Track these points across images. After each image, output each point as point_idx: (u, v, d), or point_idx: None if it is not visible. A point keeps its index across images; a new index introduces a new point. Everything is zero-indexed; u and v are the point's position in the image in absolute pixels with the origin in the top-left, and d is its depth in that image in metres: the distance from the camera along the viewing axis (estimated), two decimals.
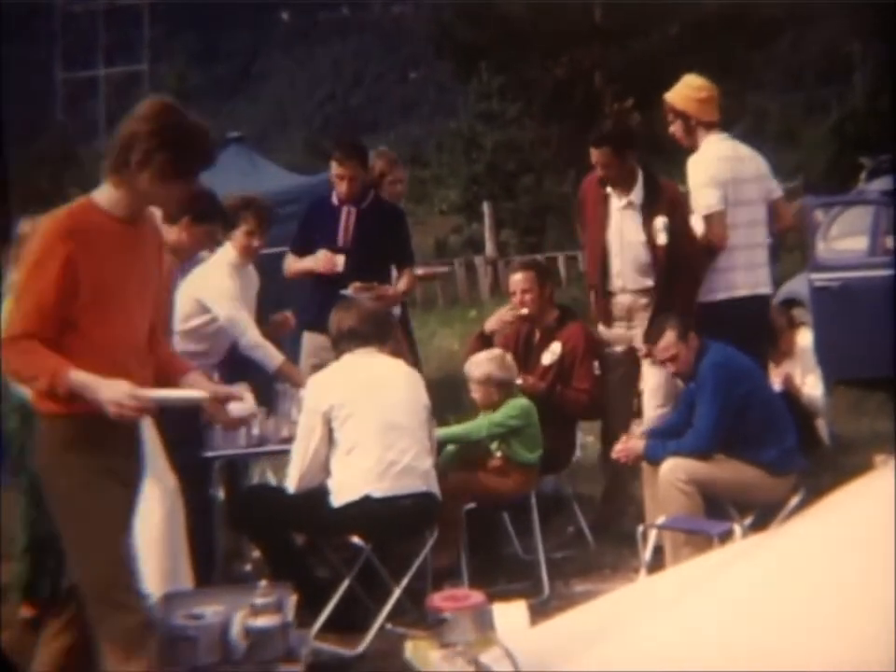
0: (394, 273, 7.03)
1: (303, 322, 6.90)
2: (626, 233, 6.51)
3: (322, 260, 6.76)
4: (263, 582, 4.74)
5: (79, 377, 3.75)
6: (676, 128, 6.60)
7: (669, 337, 5.87)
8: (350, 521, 5.30)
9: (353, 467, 5.32)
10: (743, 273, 6.48)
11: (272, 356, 6.19)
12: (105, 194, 3.95)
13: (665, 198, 6.49)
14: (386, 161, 7.35)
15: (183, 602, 4.81)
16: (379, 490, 5.29)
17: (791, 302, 9.25)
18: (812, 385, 7.82)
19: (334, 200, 6.90)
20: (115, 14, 58.11)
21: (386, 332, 5.78)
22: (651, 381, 6.47)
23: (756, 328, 6.48)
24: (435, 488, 5.46)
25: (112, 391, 3.74)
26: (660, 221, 6.43)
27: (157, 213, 6.40)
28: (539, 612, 4.95)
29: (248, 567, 6.40)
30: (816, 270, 9.09)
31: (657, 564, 5.51)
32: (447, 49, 29.33)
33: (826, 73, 28.53)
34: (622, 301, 6.59)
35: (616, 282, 6.58)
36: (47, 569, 5.77)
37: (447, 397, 7.91)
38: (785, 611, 2.39)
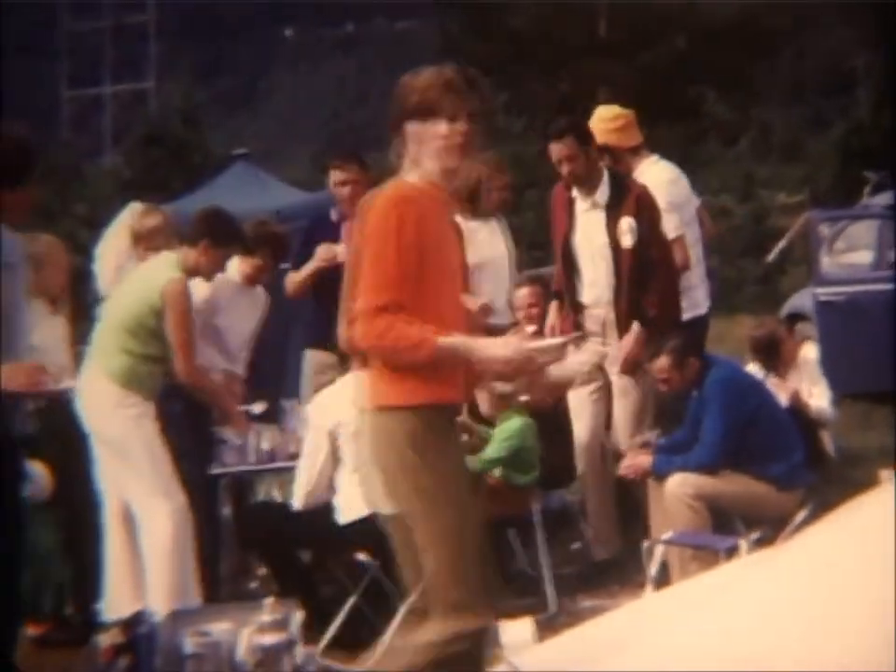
0: None
1: (307, 340, 6.90)
2: (595, 238, 6.15)
3: (322, 252, 6.74)
4: (270, 599, 4.74)
5: (453, 341, 3.57)
6: (604, 161, 6.32)
7: (664, 362, 5.81)
8: (357, 537, 5.29)
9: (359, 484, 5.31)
10: (685, 296, 6.42)
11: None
12: (408, 172, 3.78)
13: (631, 197, 6.09)
14: (488, 167, 6.60)
15: (190, 619, 4.80)
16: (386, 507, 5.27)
17: (796, 317, 9.25)
18: (819, 396, 7.81)
19: (334, 216, 6.89)
20: (121, 31, 58.29)
21: None
22: (621, 412, 6.20)
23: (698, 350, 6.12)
24: None
25: (499, 347, 3.59)
26: (625, 222, 6.05)
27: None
28: (546, 628, 4.94)
29: (255, 584, 6.41)
30: (821, 284, 9.10)
31: (663, 579, 5.50)
32: (452, 64, 29.42)
33: (830, 86, 28.54)
34: (596, 313, 6.22)
35: (589, 292, 6.23)
36: (51, 586, 5.80)
37: None
38: (792, 625, 2.39)
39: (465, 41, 28.43)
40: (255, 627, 4.65)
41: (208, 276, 5.94)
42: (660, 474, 5.81)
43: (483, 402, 6.10)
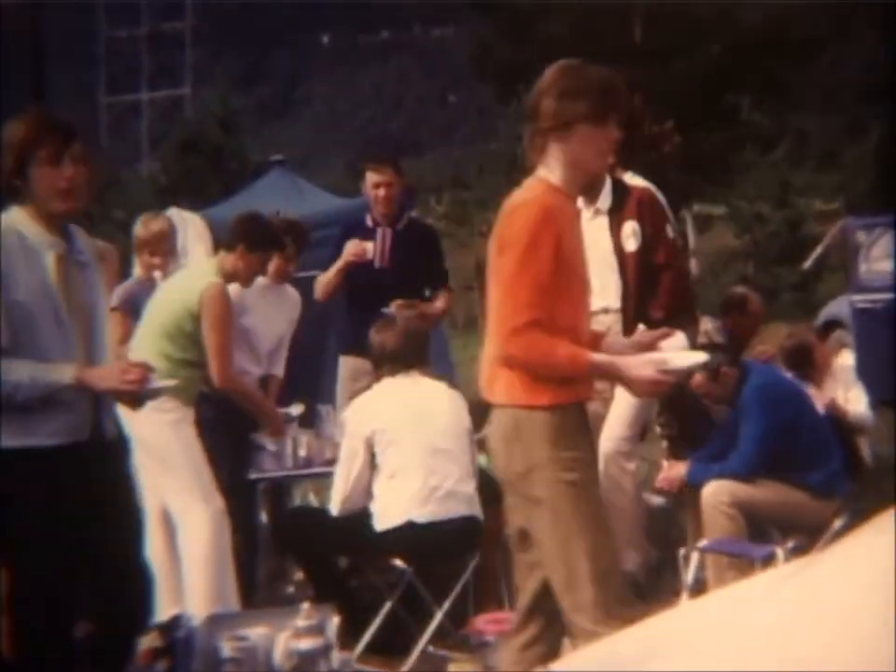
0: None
1: (341, 346, 6.93)
2: (600, 246, 5.98)
3: (352, 247, 6.77)
4: (306, 604, 4.76)
5: (602, 359, 3.69)
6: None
7: (697, 378, 5.80)
8: (393, 544, 5.31)
9: (396, 491, 5.33)
10: None
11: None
12: (554, 172, 3.80)
13: (633, 201, 6.04)
14: None
15: (227, 624, 4.83)
16: (422, 515, 5.29)
17: (833, 324, 9.22)
18: (857, 402, 7.77)
19: (369, 222, 6.93)
20: (158, 38, 58.67)
21: (426, 354, 5.81)
22: (619, 407, 6.07)
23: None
24: (478, 512, 5.47)
25: (642, 368, 3.64)
26: (628, 226, 6.01)
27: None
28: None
29: (291, 589, 6.43)
30: (857, 291, 9.06)
31: (698, 587, 5.49)
32: (487, 71, 29.42)
33: (866, 93, 28.41)
34: (604, 321, 6.05)
35: (598, 300, 5.89)
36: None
37: (488, 419, 7.91)
38: (830, 635, 2.38)
39: (499, 47, 28.44)
40: (291, 632, 4.66)
41: (246, 282, 5.98)
42: (696, 483, 5.80)
43: None
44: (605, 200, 6.08)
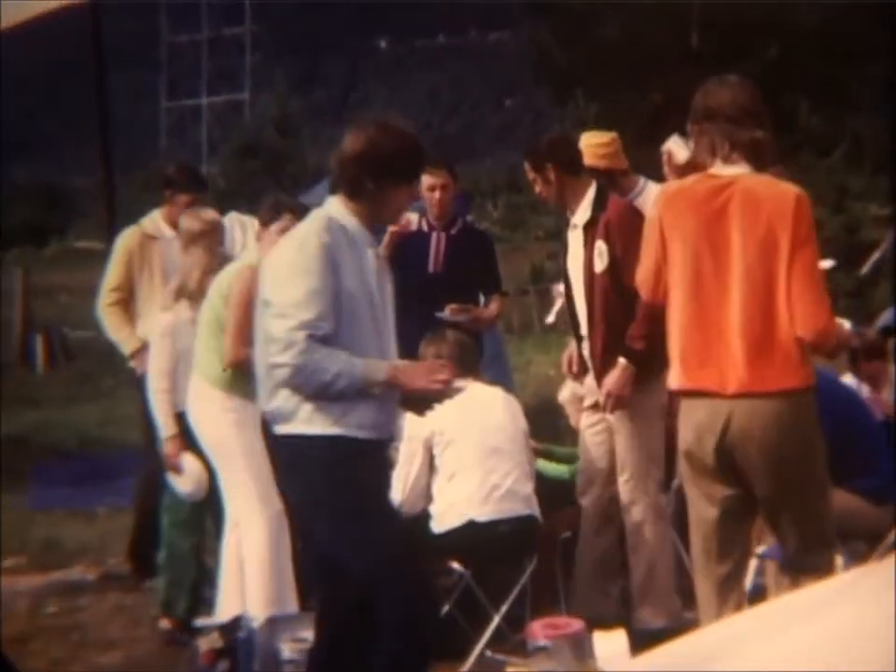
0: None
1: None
2: (577, 262, 5.80)
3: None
4: None
5: None
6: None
7: None
8: (451, 546, 5.34)
9: (455, 492, 5.36)
10: None
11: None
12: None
13: (603, 218, 5.67)
14: None
15: (287, 626, 4.90)
16: (482, 514, 5.32)
17: (889, 330, 9.14)
18: None
19: (424, 227, 6.95)
20: (218, 43, 59.11)
21: (478, 362, 5.85)
22: (620, 449, 5.73)
23: None
24: (537, 512, 5.49)
25: None
26: (598, 245, 5.65)
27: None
28: (638, 641, 4.93)
29: None
30: None
31: (758, 594, 5.46)
32: (543, 74, 29.43)
33: None
34: (585, 350, 5.86)
35: (582, 322, 5.81)
36: (183, 587, 5.94)
37: (544, 423, 7.93)
38: (891, 643, 2.38)
39: (556, 51, 28.43)
40: None
41: None
42: None
43: (571, 416, 6.13)
44: (582, 215, 5.79)
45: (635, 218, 5.28)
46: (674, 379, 4.42)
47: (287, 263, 4.09)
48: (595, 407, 5.75)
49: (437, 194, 6.79)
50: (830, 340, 4.33)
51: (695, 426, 4.31)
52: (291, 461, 4.22)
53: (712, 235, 4.24)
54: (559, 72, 27.60)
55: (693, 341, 4.29)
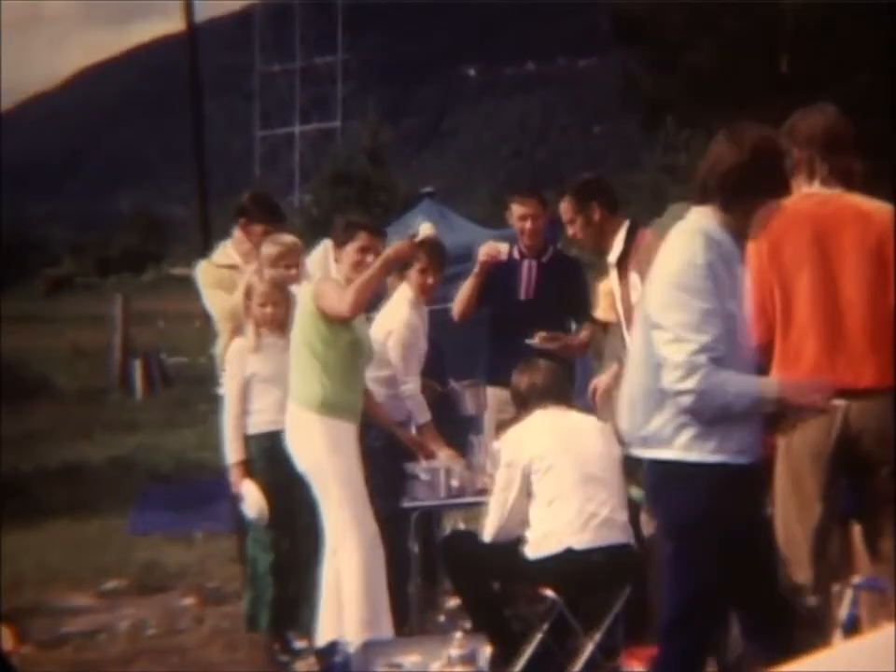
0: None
1: (487, 377, 6.97)
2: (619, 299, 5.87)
3: (486, 248, 6.84)
4: (459, 634, 4.84)
5: None
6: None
7: None
8: (547, 572, 5.35)
9: (553, 520, 5.37)
10: None
11: (421, 411, 6.35)
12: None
13: (634, 249, 5.72)
14: None
15: (382, 651, 4.93)
16: (580, 543, 5.33)
17: None
18: None
19: (515, 254, 7.00)
20: (310, 72, 59.72)
21: (571, 390, 5.88)
22: None
23: None
24: (632, 540, 5.50)
25: None
26: (632, 277, 5.65)
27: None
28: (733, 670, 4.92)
29: (443, 618, 6.50)
30: None
31: (853, 626, 5.41)
32: (632, 101, 29.33)
33: None
34: None
35: None
36: (265, 602, 6.03)
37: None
38: None
39: (645, 78, 28.34)
40: (444, 661, 4.75)
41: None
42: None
43: None
44: (615, 251, 5.90)
45: (657, 243, 5.39)
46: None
47: (675, 285, 3.97)
48: None
49: (528, 224, 6.85)
50: None
51: (816, 423, 4.47)
52: (667, 485, 4.12)
53: (825, 243, 4.53)
54: (648, 99, 27.50)
55: (816, 340, 4.51)
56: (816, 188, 4.66)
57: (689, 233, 4.04)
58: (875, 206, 4.61)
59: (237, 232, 6.75)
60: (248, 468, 5.99)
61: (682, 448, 3.98)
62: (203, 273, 6.80)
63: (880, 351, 4.49)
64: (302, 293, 5.86)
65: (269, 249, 6.39)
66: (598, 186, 6.11)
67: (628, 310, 5.70)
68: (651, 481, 4.26)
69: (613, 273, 5.93)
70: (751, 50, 25.66)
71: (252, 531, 6.10)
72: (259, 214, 6.73)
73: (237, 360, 6.11)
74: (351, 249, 5.75)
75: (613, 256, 5.91)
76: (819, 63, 24.66)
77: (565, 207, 6.03)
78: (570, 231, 6.03)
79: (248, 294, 6.16)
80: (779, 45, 26.16)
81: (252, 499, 5.94)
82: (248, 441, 6.02)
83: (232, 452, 6.05)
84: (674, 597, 4.16)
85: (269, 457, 5.89)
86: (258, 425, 6.02)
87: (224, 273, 6.70)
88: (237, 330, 6.42)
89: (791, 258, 4.58)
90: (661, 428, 4.01)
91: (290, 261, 6.38)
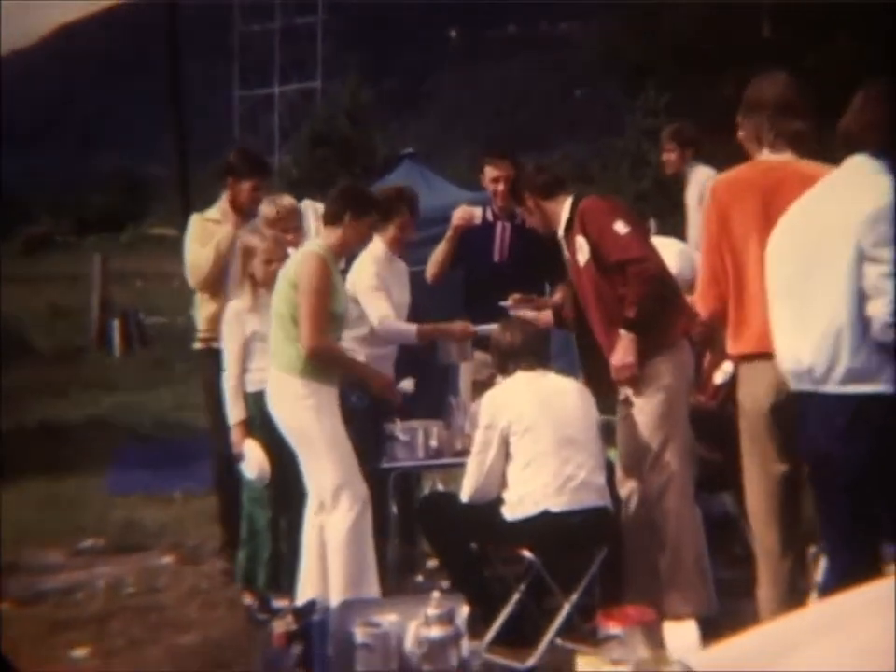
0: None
1: None
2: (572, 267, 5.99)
3: (460, 212, 6.88)
4: (436, 594, 4.85)
5: None
6: None
7: None
8: (524, 534, 5.37)
9: (530, 481, 5.39)
10: None
11: (406, 329, 6.36)
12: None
13: (578, 217, 5.80)
14: None
15: (360, 610, 4.95)
16: (557, 505, 5.35)
17: None
18: None
19: (489, 217, 7.00)
20: (290, 33, 59.37)
21: (548, 351, 5.89)
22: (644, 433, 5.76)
23: None
24: (609, 503, 5.53)
25: None
26: (577, 242, 5.78)
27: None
28: (709, 632, 4.96)
29: (421, 578, 6.53)
30: None
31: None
32: (614, 66, 29.30)
33: None
34: None
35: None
36: (261, 561, 6.05)
37: (611, 412, 7.95)
38: None
39: (627, 43, 28.31)
40: (422, 620, 4.77)
41: (353, 250, 6.08)
42: None
43: None
44: (561, 223, 5.95)
45: (599, 206, 5.76)
46: (745, 344, 4.75)
47: (890, 220, 4.03)
48: (626, 400, 5.78)
49: (500, 186, 6.87)
50: None
51: (765, 388, 4.62)
52: (864, 420, 4.09)
53: (772, 211, 4.55)
54: (630, 63, 27.47)
55: (765, 307, 4.49)
56: (765, 155, 4.79)
57: (880, 173, 4.15)
58: (822, 172, 4.62)
59: (228, 191, 6.90)
60: (248, 426, 6.02)
61: (886, 382, 4.00)
62: (191, 225, 6.96)
63: None
64: (290, 262, 5.85)
65: (268, 210, 6.44)
66: (527, 176, 6.16)
67: (577, 273, 5.85)
68: (839, 419, 4.16)
69: (563, 245, 6.01)
70: (733, 15, 25.64)
71: (248, 489, 6.11)
72: (246, 170, 6.88)
73: (235, 321, 6.14)
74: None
75: (560, 229, 5.96)
76: (801, 28, 24.67)
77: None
78: (527, 222, 6.18)
79: (247, 254, 6.18)
80: (761, 10, 26.15)
81: (254, 458, 5.95)
82: (247, 398, 6.05)
83: (234, 412, 6.07)
84: (855, 534, 4.26)
85: (267, 414, 5.89)
86: (256, 383, 6.02)
87: (208, 227, 6.85)
88: (202, 284, 6.64)
89: (740, 226, 4.71)
90: (865, 362, 4.04)
91: (288, 224, 6.43)
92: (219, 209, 6.95)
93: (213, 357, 6.49)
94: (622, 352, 5.60)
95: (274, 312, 5.76)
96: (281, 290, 5.74)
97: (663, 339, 5.64)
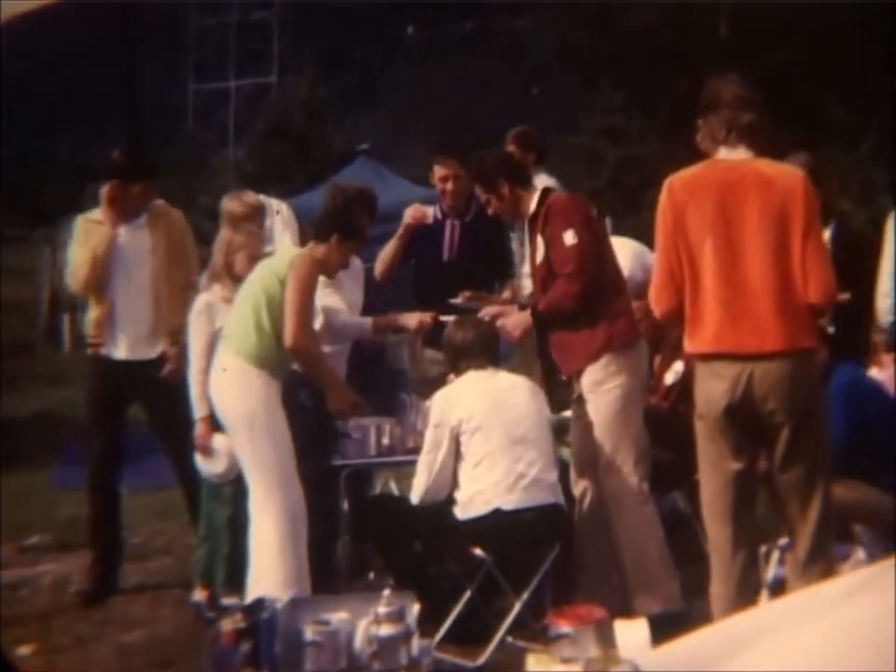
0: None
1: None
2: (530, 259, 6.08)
3: (411, 210, 6.88)
4: (387, 592, 4.82)
5: None
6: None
7: None
8: (475, 533, 5.36)
9: (481, 479, 5.38)
10: None
11: (360, 322, 6.39)
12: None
13: (545, 210, 5.84)
14: None
15: (309, 608, 4.91)
16: (508, 503, 5.35)
17: None
18: None
19: (438, 214, 6.97)
20: (246, 27, 59.10)
21: (498, 349, 5.88)
22: (599, 434, 5.77)
23: None
24: (561, 500, 5.52)
25: None
26: (538, 238, 5.85)
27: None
28: (662, 631, 4.94)
29: (372, 576, 6.50)
30: None
31: (778, 586, 5.46)
32: (572, 63, 29.30)
33: None
34: None
35: None
36: (220, 558, 5.99)
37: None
38: None
39: (583, 40, 28.31)
40: (372, 618, 4.74)
41: (334, 272, 6.04)
42: None
43: None
44: (530, 212, 5.94)
45: (563, 206, 5.80)
46: (700, 343, 4.74)
47: None
48: (580, 399, 5.78)
49: (449, 185, 6.86)
50: (832, 305, 4.91)
51: (721, 387, 4.65)
52: None
53: (728, 210, 4.65)
54: (588, 60, 27.50)
55: (720, 307, 4.63)
56: (723, 154, 4.81)
57: None
58: (780, 171, 4.73)
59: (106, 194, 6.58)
60: (213, 421, 5.96)
61: None
62: (76, 226, 6.73)
63: (784, 315, 4.62)
64: (279, 257, 5.85)
65: (234, 206, 6.39)
66: (504, 163, 6.17)
67: (533, 266, 5.90)
68: None
69: (526, 234, 6.03)
70: (690, 14, 25.70)
71: (207, 486, 6.06)
72: (137, 172, 6.65)
73: (205, 316, 6.10)
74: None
75: (526, 220, 5.97)
76: (757, 29, 24.75)
77: (477, 190, 6.11)
78: (489, 210, 6.09)
79: (227, 250, 6.13)
80: (718, 10, 26.23)
81: (223, 452, 5.90)
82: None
83: (200, 407, 6.02)
84: None
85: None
86: None
87: (91, 228, 6.63)
88: (81, 286, 6.54)
89: (696, 225, 4.72)
90: None
91: (256, 220, 6.39)
92: (102, 210, 6.67)
93: (100, 365, 6.51)
94: (515, 320, 5.79)
95: (248, 297, 5.73)
96: (264, 279, 5.72)
97: (588, 346, 5.68)
